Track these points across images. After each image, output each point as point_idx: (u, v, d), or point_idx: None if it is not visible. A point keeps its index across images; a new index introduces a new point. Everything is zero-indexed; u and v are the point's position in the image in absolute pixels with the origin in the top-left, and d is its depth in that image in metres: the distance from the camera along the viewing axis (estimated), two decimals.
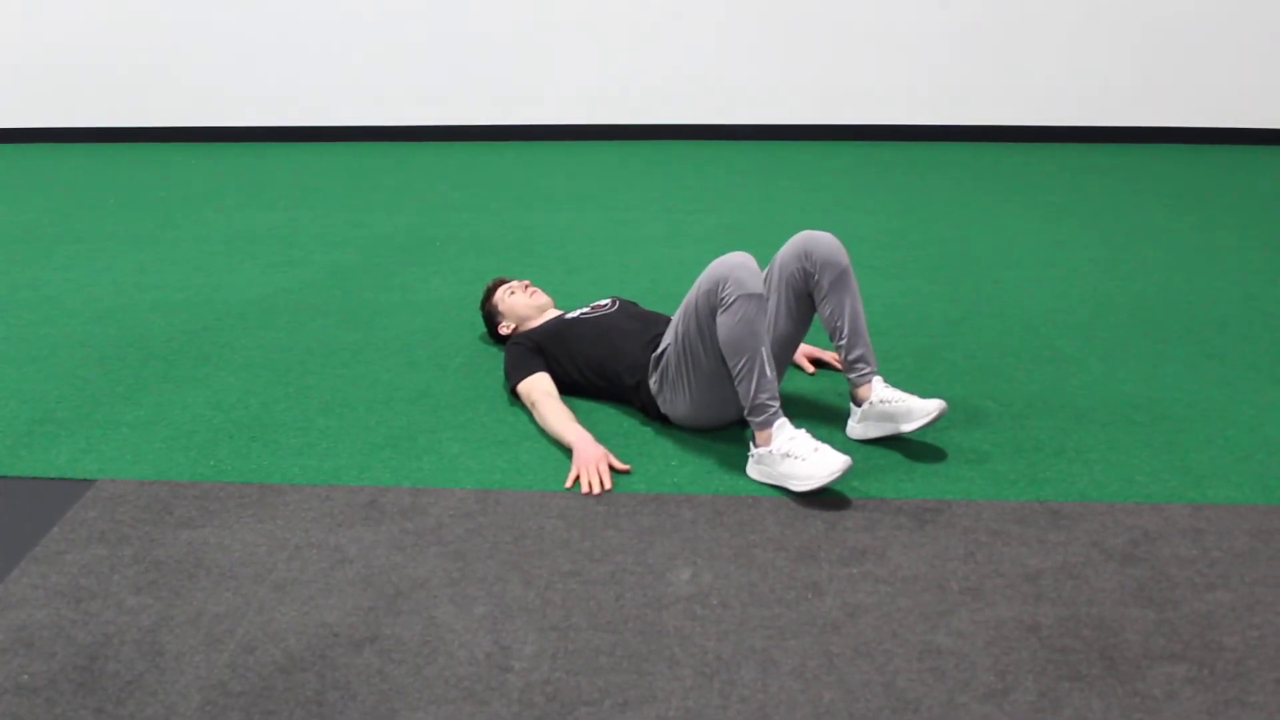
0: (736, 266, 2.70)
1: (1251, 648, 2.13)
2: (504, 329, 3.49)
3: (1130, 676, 2.06)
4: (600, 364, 3.11)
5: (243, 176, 6.01)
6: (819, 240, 2.91)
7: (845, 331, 2.89)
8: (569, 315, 3.29)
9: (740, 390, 2.71)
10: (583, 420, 2.98)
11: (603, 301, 3.32)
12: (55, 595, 2.34)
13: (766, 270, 2.97)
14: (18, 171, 6.24)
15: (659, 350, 2.97)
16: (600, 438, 2.91)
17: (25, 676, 2.11)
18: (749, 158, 6.16)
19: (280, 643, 2.19)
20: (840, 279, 2.89)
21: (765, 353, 2.68)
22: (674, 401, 2.95)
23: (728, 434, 2.99)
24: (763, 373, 2.68)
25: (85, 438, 3.03)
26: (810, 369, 3.36)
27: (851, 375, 2.92)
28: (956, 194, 5.39)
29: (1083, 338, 3.60)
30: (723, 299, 2.69)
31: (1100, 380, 3.28)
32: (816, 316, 2.98)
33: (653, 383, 2.99)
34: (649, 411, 3.05)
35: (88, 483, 2.79)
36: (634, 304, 3.36)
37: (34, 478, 2.83)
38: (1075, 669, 2.08)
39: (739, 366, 2.69)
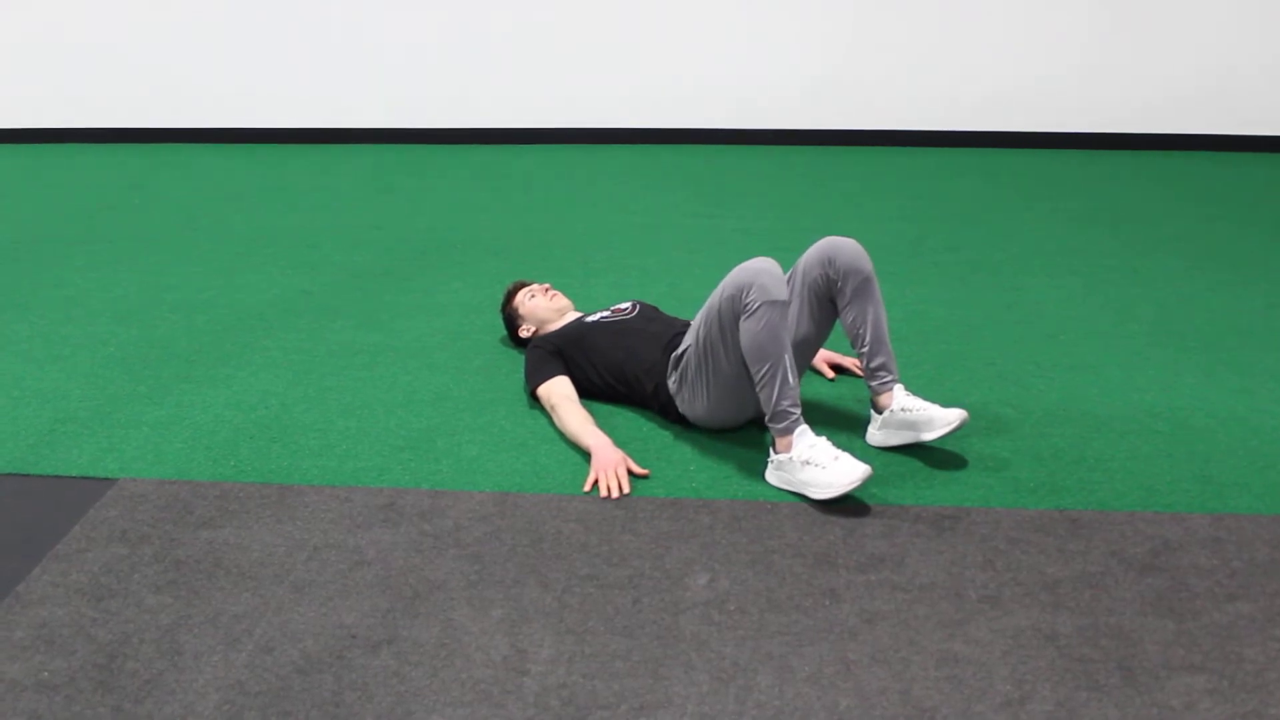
0: (761, 273, 2.69)
1: (1272, 659, 2.12)
2: (524, 332, 3.49)
3: (1149, 687, 2.05)
4: (619, 368, 3.12)
5: (264, 178, 6.04)
6: (843, 247, 2.90)
7: (868, 339, 2.88)
8: (589, 319, 3.29)
9: (762, 396, 2.71)
10: (602, 424, 2.98)
11: (623, 305, 3.33)
12: (76, 593, 2.36)
13: (789, 274, 2.97)
14: (41, 171, 6.29)
15: (679, 351, 2.97)
16: (619, 442, 2.92)
17: (45, 674, 2.12)
18: (769, 163, 6.16)
19: (298, 643, 2.20)
20: (863, 286, 2.88)
21: (788, 360, 2.68)
22: (692, 402, 2.95)
23: (747, 439, 2.99)
24: (785, 380, 2.67)
25: (106, 437, 3.05)
26: (830, 374, 3.36)
27: (873, 383, 2.91)
28: (977, 200, 5.38)
29: (1103, 345, 3.58)
30: (746, 305, 2.68)
31: (1120, 388, 3.27)
32: (838, 321, 2.98)
33: (671, 383, 2.99)
34: (668, 412, 3.05)
35: (109, 482, 2.81)
36: (654, 308, 3.36)
37: (55, 476, 2.85)
38: (1093, 679, 2.07)
39: (761, 373, 2.69)
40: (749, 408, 2.92)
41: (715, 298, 2.79)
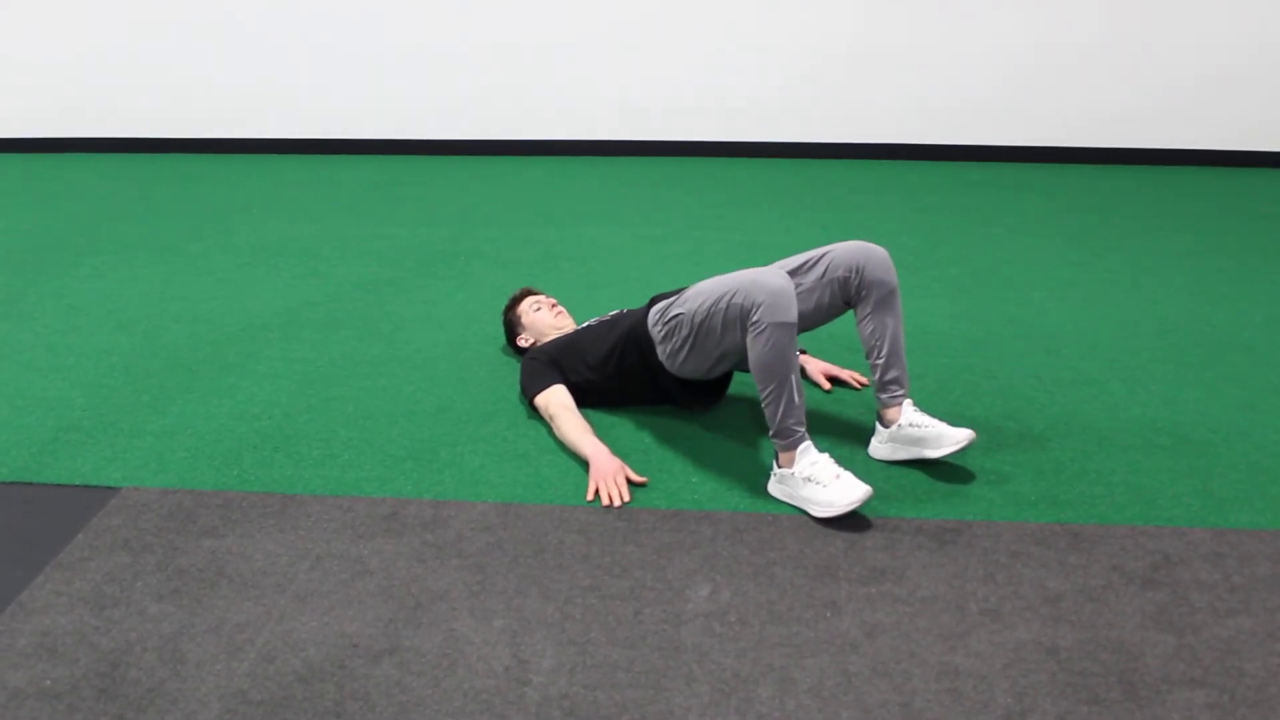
0: (776, 294, 2.65)
1: (1272, 674, 2.12)
2: (522, 341, 3.50)
3: (1149, 701, 2.05)
4: (609, 354, 3.13)
5: (269, 189, 6.05)
6: (874, 257, 2.90)
7: (884, 351, 2.88)
8: (579, 328, 3.32)
9: (767, 413, 2.70)
10: (602, 435, 2.98)
11: (610, 314, 3.35)
12: (78, 602, 2.36)
13: (816, 254, 2.97)
14: (45, 181, 6.31)
15: (668, 307, 2.97)
16: (619, 452, 2.92)
17: (48, 682, 2.13)
18: (774, 175, 6.17)
19: (300, 653, 2.20)
20: (887, 299, 2.89)
21: (794, 380, 2.67)
22: (676, 355, 2.97)
23: (749, 449, 2.99)
24: (791, 400, 2.67)
25: (110, 446, 3.05)
26: (827, 386, 3.36)
27: (883, 395, 2.91)
28: (980, 214, 5.39)
29: (1105, 360, 3.58)
30: (755, 322, 2.66)
31: (1122, 403, 3.27)
32: (855, 331, 2.98)
33: (656, 330, 3.00)
34: (647, 359, 3.05)
35: (112, 490, 2.81)
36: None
37: (59, 485, 2.86)
38: (1094, 693, 2.07)
39: (768, 391, 2.68)
40: (725, 366, 2.96)
41: (724, 293, 2.75)
